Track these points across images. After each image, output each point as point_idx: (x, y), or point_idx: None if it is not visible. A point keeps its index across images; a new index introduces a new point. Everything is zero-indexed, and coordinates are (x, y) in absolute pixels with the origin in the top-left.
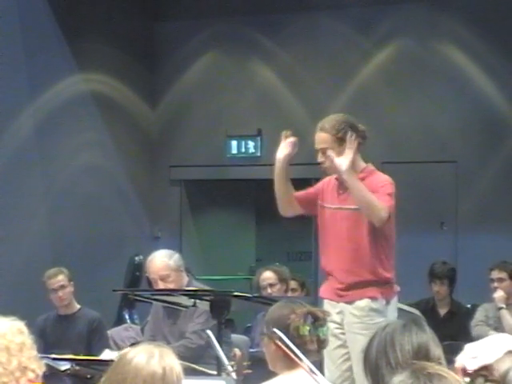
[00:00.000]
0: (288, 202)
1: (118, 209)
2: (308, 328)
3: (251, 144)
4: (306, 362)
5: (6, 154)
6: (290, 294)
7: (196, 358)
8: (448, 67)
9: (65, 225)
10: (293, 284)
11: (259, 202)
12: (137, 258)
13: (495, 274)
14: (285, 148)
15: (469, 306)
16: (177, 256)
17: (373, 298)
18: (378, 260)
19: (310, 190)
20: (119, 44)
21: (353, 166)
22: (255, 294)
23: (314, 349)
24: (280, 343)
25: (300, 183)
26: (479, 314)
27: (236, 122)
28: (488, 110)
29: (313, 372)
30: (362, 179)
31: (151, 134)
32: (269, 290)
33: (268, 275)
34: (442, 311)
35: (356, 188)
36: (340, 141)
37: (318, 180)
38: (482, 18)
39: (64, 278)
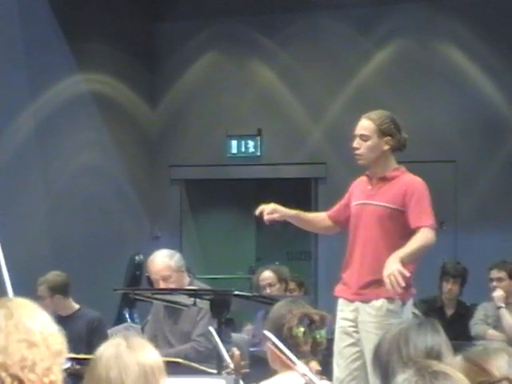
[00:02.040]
0: (324, 230)
1: (118, 209)
2: (302, 330)
3: (251, 144)
4: (298, 364)
5: (6, 154)
6: (289, 294)
7: (204, 360)
8: (448, 67)
9: (65, 225)
10: (291, 285)
11: (259, 201)
12: (137, 258)
13: (494, 274)
14: (272, 219)
15: (468, 305)
16: (178, 256)
17: (389, 299)
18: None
19: (341, 202)
20: (119, 44)
21: (385, 163)
22: (255, 294)
23: (308, 350)
24: (271, 346)
25: (300, 183)
26: (478, 313)
27: (236, 122)
28: (487, 109)
29: (306, 374)
30: (395, 177)
31: (151, 134)
32: (268, 290)
33: (267, 275)
34: (449, 312)
35: (412, 254)
36: (381, 133)
37: (317, 180)
38: (482, 18)
39: (44, 289)
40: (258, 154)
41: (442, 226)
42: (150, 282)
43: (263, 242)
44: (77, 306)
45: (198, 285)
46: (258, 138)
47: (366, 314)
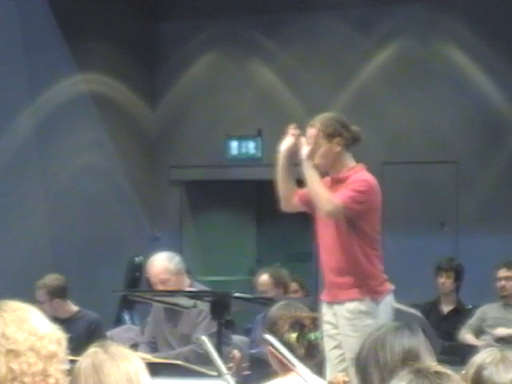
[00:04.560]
0: (286, 198)
1: (118, 209)
2: (294, 335)
3: (251, 145)
4: (299, 366)
5: (5, 154)
6: (291, 295)
7: (204, 362)
8: (448, 67)
9: (65, 225)
10: (294, 286)
11: (259, 202)
12: (136, 259)
13: (502, 273)
14: (287, 140)
15: (470, 306)
16: (177, 259)
17: (360, 300)
18: (360, 258)
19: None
20: (119, 44)
21: (339, 164)
22: (255, 295)
23: (303, 354)
24: (272, 349)
25: (300, 184)
26: (472, 317)
27: (236, 122)
28: (489, 109)
29: (306, 376)
30: (348, 177)
31: (151, 134)
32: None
33: (263, 281)
34: (446, 308)
35: (309, 176)
36: (328, 137)
37: None
38: (482, 18)
39: (43, 294)
40: (259, 155)
41: (443, 227)
42: (149, 283)
43: (263, 244)
44: (76, 308)
45: (198, 287)
46: (258, 138)
47: (342, 317)
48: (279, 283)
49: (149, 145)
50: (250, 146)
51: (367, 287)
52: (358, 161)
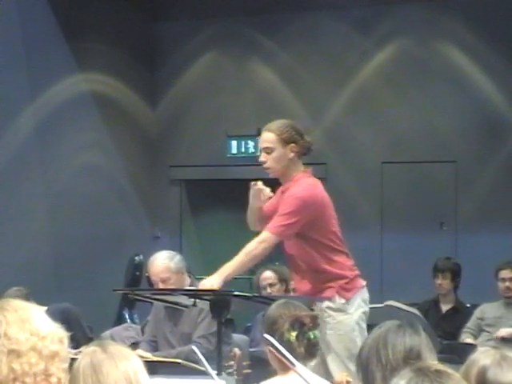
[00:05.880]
0: (258, 222)
1: (118, 209)
2: (294, 334)
3: (251, 144)
4: (298, 366)
5: (6, 154)
6: (291, 293)
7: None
8: (448, 67)
9: (65, 225)
10: (293, 284)
11: None
12: (137, 258)
13: (506, 274)
14: (257, 199)
15: (468, 305)
16: (178, 258)
17: (329, 298)
18: (321, 264)
19: (269, 203)
20: (119, 44)
21: (290, 171)
22: (255, 294)
23: (303, 353)
24: (272, 349)
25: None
26: (471, 319)
27: (236, 122)
28: (488, 109)
29: (305, 375)
30: (289, 188)
31: (151, 134)
32: (268, 290)
33: (268, 275)
34: (445, 307)
35: (237, 268)
36: (284, 142)
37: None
38: (482, 18)
39: None
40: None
41: (442, 227)
42: (150, 282)
43: None
44: (44, 308)
45: (198, 286)
46: (258, 138)
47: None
48: (282, 279)
49: (149, 144)
50: (250, 146)
51: (335, 287)
52: (358, 160)
